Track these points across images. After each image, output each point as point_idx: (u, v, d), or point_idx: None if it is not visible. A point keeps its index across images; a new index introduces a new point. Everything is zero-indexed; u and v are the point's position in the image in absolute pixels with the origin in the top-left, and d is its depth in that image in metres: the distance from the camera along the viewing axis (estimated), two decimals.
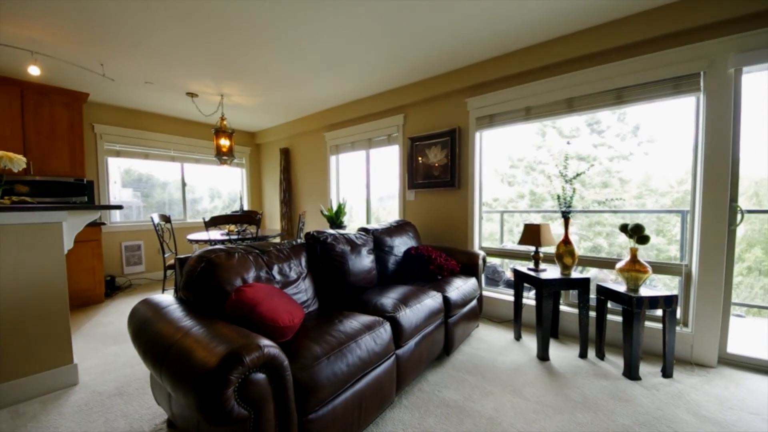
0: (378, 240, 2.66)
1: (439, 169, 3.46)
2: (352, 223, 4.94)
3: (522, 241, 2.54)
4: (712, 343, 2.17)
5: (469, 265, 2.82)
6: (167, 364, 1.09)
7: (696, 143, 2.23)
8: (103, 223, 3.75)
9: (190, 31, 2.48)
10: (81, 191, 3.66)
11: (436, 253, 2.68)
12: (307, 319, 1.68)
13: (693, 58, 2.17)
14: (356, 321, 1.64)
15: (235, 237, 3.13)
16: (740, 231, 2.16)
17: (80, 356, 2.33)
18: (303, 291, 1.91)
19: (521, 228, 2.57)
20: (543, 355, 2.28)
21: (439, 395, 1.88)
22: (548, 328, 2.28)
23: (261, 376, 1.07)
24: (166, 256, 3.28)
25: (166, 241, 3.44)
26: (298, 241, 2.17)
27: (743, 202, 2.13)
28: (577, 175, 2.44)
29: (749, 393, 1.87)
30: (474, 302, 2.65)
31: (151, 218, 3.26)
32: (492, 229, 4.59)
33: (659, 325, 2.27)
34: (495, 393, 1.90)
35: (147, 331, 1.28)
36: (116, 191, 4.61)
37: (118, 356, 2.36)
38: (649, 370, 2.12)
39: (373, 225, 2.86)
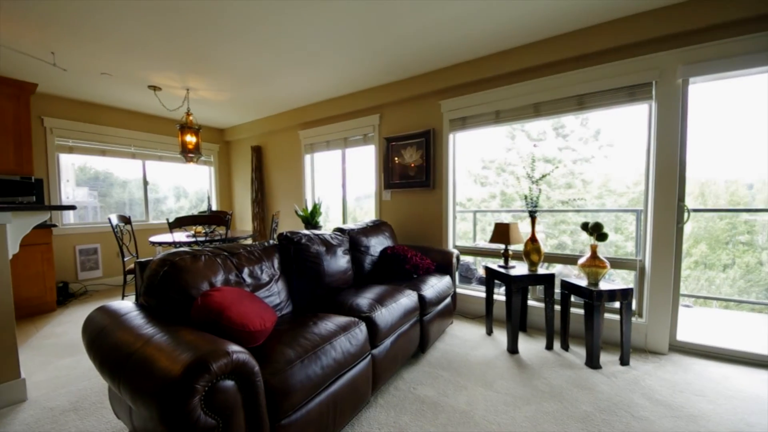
0: (354, 240, 2.65)
1: (415, 170, 3.50)
2: (329, 224, 4.88)
3: (493, 240, 2.63)
4: (664, 332, 2.35)
5: (443, 264, 2.88)
6: (126, 375, 1.03)
7: (648, 147, 2.41)
8: (55, 225, 3.46)
9: (152, 20, 2.34)
10: (28, 190, 3.35)
11: (411, 253, 2.71)
12: (280, 322, 1.65)
13: (646, 68, 2.34)
14: (331, 322, 1.62)
15: (202, 239, 3.00)
16: (688, 228, 2.36)
17: (29, 370, 2.14)
18: (276, 294, 1.86)
19: (493, 227, 2.66)
20: (512, 349, 2.38)
21: (415, 392, 1.90)
22: (517, 323, 2.37)
23: (230, 383, 1.03)
24: (125, 260, 3.08)
25: (126, 243, 3.23)
26: (271, 242, 2.12)
27: (690, 202, 2.33)
28: (543, 176, 2.56)
29: (696, 377, 2.05)
30: (448, 300, 2.71)
31: (109, 219, 3.05)
32: (466, 228, 4.71)
33: (617, 317, 2.44)
34: (468, 387, 1.95)
35: (104, 340, 1.20)
36: (69, 190, 4.26)
37: (73, 369, 2.19)
38: (608, 359, 2.27)
39: (349, 225, 2.85)
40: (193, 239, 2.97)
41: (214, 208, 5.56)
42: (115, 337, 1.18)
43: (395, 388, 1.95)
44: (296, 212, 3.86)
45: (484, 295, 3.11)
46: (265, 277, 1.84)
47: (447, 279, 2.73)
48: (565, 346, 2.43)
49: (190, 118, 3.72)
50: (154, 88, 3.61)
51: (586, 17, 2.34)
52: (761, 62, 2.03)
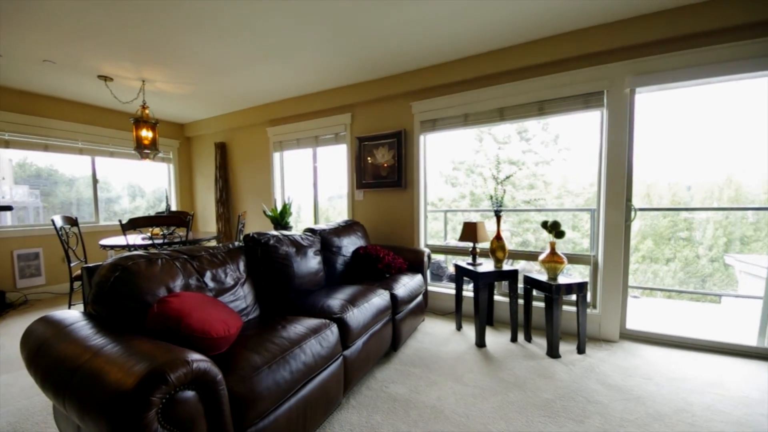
0: (326, 240, 2.61)
1: (387, 170, 3.52)
2: (300, 224, 4.78)
3: (461, 238, 2.71)
4: (615, 321, 2.56)
5: (415, 263, 2.93)
6: (72, 391, 0.94)
7: (600, 151, 2.60)
8: None
9: (101, 2, 2.16)
10: None
11: (384, 252, 2.72)
12: (247, 327, 1.59)
13: (598, 78, 2.53)
14: (301, 325, 1.59)
15: (160, 241, 2.82)
16: (636, 226, 2.58)
17: None
18: (241, 298, 1.79)
19: (462, 226, 2.75)
20: (480, 342, 2.47)
21: (387, 391, 1.92)
22: (484, 317, 2.47)
23: (190, 393, 0.98)
24: (72, 265, 2.83)
25: (73, 247, 2.96)
26: (236, 244, 2.04)
27: (637, 202, 2.55)
28: (507, 177, 2.68)
29: (644, 361, 2.24)
30: (420, 297, 2.76)
31: (53, 221, 2.78)
32: (438, 228, 4.82)
33: (574, 308, 2.61)
34: (438, 382, 2.00)
35: (45, 354, 1.09)
36: (6, 189, 3.83)
37: (11, 387, 1.97)
38: (567, 348, 2.42)
39: (321, 225, 2.81)
40: (149, 242, 2.78)
41: (173, 208, 5.24)
42: (59, 350, 1.08)
43: (367, 387, 1.95)
44: (264, 212, 3.74)
45: (454, 292, 3.20)
46: (229, 281, 1.77)
47: (419, 277, 2.78)
48: (528, 338, 2.57)
49: (146, 111, 3.48)
50: (105, 78, 3.34)
51: (546, 28, 2.48)
52: (698, 75, 2.26)
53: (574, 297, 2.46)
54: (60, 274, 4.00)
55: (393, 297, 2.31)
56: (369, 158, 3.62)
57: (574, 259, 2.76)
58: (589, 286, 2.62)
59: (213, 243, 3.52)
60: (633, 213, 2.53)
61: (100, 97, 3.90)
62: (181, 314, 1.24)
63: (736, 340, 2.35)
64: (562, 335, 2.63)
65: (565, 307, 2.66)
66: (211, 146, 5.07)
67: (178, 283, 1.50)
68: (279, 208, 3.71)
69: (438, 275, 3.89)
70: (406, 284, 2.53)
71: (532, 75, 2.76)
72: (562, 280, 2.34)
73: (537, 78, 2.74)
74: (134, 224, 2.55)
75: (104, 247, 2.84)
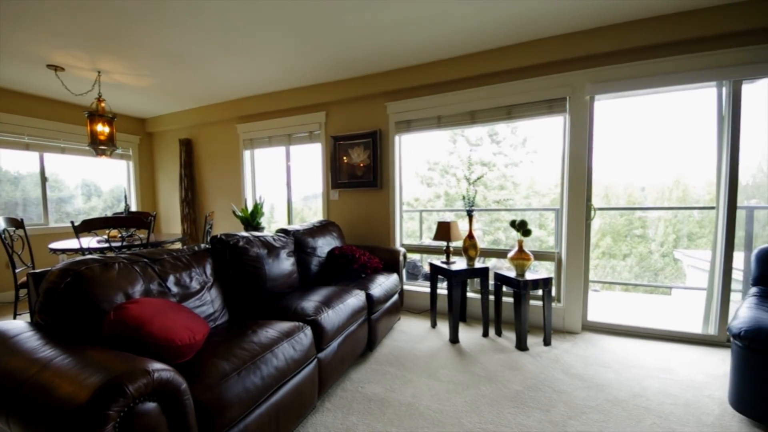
0: (300, 241, 2.57)
1: (363, 170, 3.52)
2: (274, 225, 4.66)
3: (436, 237, 2.77)
4: (577, 313, 2.71)
5: (391, 262, 2.95)
6: (17, 409, 0.87)
7: (563, 154, 2.76)
8: None
9: None
10: None
11: (359, 252, 2.72)
12: (214, 333, 1.53)
13: (562, 84, 2.67)
14: (273, 329, 1.56)
15: (118, 244, 2.64)
16: (596, 224, 2.76)
17: None
18: (208, 303, 1.72)
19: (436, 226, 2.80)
20: (454, 339, 2.53)
21: (362, 391, 1.92)
22: (458, 314, 2.54)
23: (151, 405, 0.93)
24: (17, 271, 2.58)
25: (18, 252, 2.70)
26: (203, 246, 1.95)
27: (597, 202, 2.73)
28: (479, 178, 2.77)
29: (603, 351, 2.39)
30: (396, 297, 2.78)
31: None
32: (414, 227, 4.88)
33: (540, 303, 2.75)
34: (414, 380, 2.03)
35: None
36: None
37: None
38: (534, 341, 2.54)
39: (295, 226, 2.76)
40: (106, 245, 2.60)
41: (133, 208, 4.92)
42: (2, 363, 0.99)
43: (343, 389, 1.94)
44: (234, 213, 3.61)
45: (429, 290, 3.26)
46: (195, 285, 1.69)
47: (394, 277, 2.80)
48: (498, 332, 2.67)
49: (102, 104, 3.25)
50: (56, 68, 3.08)
51: (512, 36, 2.59)
52: (649, 85, 2.45)
53: (540, 292, 2.59)
54: (3, 281, 3.64)
55: (369, 297, 2.31)
56: (344, 158, 3.60)
57: (540, 256, 2.90)
58: (553, 282, 2.76)
59: (178, 245, 3.35)
60: (593, 212, 2.70)
61: (50, 88, 3.59)
62: (141, 321, 1.17)
63: (684, 329, 2.58)
64: (530, 328, 2.75)
65: (532, 302, 2.79)
66: (175, 143, 4.80)
67: (137, 289, 1.41)
68: (250, 208, 3.59)
69: (414, 274, 3.94)
70: (382, 284, 2.55)
71: (501, 80, 2.87)
72: (529, 276, 2.45)
73: (505, 83, 2.85)
74: (88, 226, 2.37)
75: (54, 251, 2.62)
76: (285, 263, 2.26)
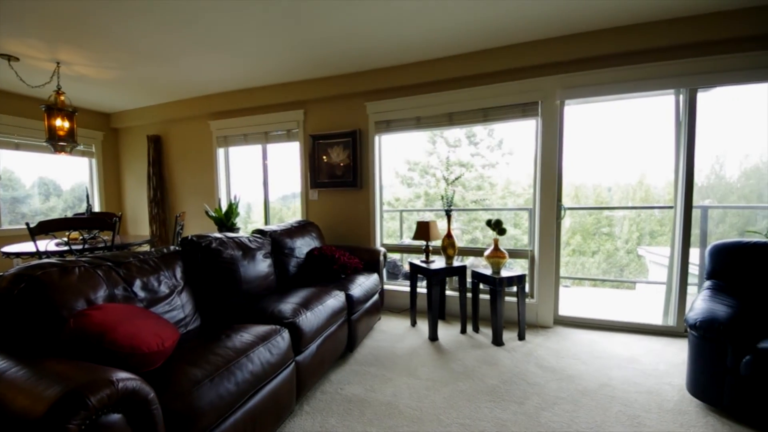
0: (277, 242, 2.52)
1: (342, 169, 3.49)
2: (251, 225, 4.53)
3: (415, 237, 2.80)
4: (549, 308, 2.83)
5: (371, 262, 2.95)
6: None
7: (536, 156, 2.86)
8: None
9: None
10: None
11: (339, 253, 2.70)
12: (185, 339, 1.47)
13: (534, 89, 2.77)
14: (248, 333, 1.51)
15: (79, 247, 2.48)
16: (567, 223, 2.88)
17: None
18: (179, 308, 1.65)
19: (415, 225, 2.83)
20: (433, 336, 2.57)
21: (342, 393, 1.90)
22: (437, 312, 2.57)
23: (116, 417, 0.88)
24: None
25: None
26: (172, 248, 1.87)
27: (567, 202, 2.85)
28: (457, 178, 2.83)
29: (573, 344, 2.51)
30: (376, 297, 2.78)
31: None
32: (394, 227, 4.91)
33: (515, 299, 2.83)
34: (394, 379, 2.04)
35: None
36: None
37: None
38: (509, 336, 2.62)
39: (272, 226, 2.70)
40: (66, 248, 2.43)
41: (96, 209, 4.63)
42: None
43: (322, 391, 1.92)
44: (207, 213, 3.48)
45: (409, 289, 3.28)
46: (164, 290, 1.62)
47: (375, 277, 2.80)
48: (476, 329, 2.73)
49: (62, 98, 3.04)
50: (9, 57, 2.85)
51: (489, 40, 2.66)
52: (614, 91, 2.59)
53: (515, 288, 2.66)
54: None
55: (349, 298, 2.30)
56: (324, 157, 3.56)
57: (514, 254, 3.00)
58: (527, 278, 2.86)
59: (146, 248, 3.19)
60: (563, 211, 2.82)
61: (3, 78, 3.31)
62: (105, 329, 1.10)
63: (646, 321, 2.75)
64: (506, 324, 2.83)
65: (507, 298, 2.87)
66: (143, 139, 4.55)
67: (100, 294, 1.33)
68: (224, 208, 3.47)
69: (394, 274, 3.96)
70: (362, 284, 2.54)
71: (478, 83, 2.94)
72: (504, 273, 2.52)
73: (482, 86, 2.92)
74: (45, 228, 2.21)
75: (8, 255, 2.42)
76: (261, 265, 2.20)
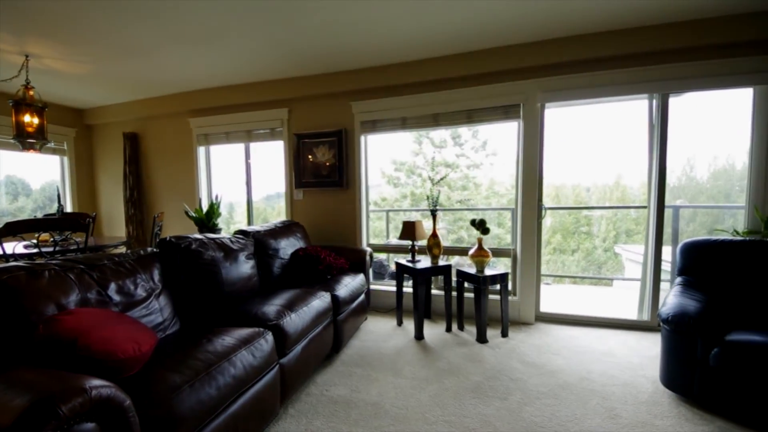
0: (261, 243, 2.47)
1: (328, 169, 3.46)
2: (235, 226, 4.43)
3: (401, 237, 2.81)
4: (531, 305, 2.90)
5: (357, 262, 2.94)
6: None
7: (518, 157, 2.92)
8: None
9: None
10: None
11: (325, 253, 2.67)
12: (164, 344, 1.42)
13: (517, 92, 2.83)
14: (230, 337, 1.48)
15: (49, 249, 2.36)
16: (548, 222, 2.96)
17: None
18: (157, 311, 1.60)
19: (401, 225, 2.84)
20: (419, 335, 2.58)
21: (327, 394, 1.89)
22: (422, 311, 2.59)
23: (89, 426, 0.84)
24: None
25: None
26: (149, 250, 1.81)
27: (548, 202, 2.93)
28: (442, 178, 2.86)
29: (554, 339, 2.58)
30: (362, 297, 2.77)
31: None
32: (381, 227, 4.91)
33: (498, 297, 2.89)
34: (380, 379, 2.04)
35: None
36: None
37: None
38: (493, 333, 2.67)
39: (255, 227, 2.65)
40: (35, 250, 2.31)
41: (69, 209, 4.42)
42: None
43: (307, 393, 1.90)
44: (187, 213, 3.38)
45: (395, 289, 3.29)
46: (140, 293, 1.56)
47: (360, 277, 2.80)
48: (461, 327, 2.77)
49: (31, 92, 2.88)
50: None
51: (473, 42, 2.69)
52: (591, 95, 2.68)
53: (498, 286, 2.72)
54: None
55: (334, 298, 2.29)
56: (309, 156, 3.52)
57: (498, 252, 3.06)
58: (510, 276, 2.92)
59: (122, 250, 3.07)
60: (544, 211, 2.89)
61: None
62: (77, 334, 1.05)
63: (623, 316, 2.85)
64: (489, 321, 2.88)
65: (491, 296, 2.92)
66: (118, 136, 4.37)
67: (72, 299, 1.27)
68: (205, 208, 3.38)
69: (380, 273, 3.96)
70: (348, 284, 2.53)
71: (462, 85, 2.98)
72: (488, 272, 2.57)
73: (466, 88, 2.96)
74: (12, 229, 2.09)
75: None
76: (244, 266, 2.16)
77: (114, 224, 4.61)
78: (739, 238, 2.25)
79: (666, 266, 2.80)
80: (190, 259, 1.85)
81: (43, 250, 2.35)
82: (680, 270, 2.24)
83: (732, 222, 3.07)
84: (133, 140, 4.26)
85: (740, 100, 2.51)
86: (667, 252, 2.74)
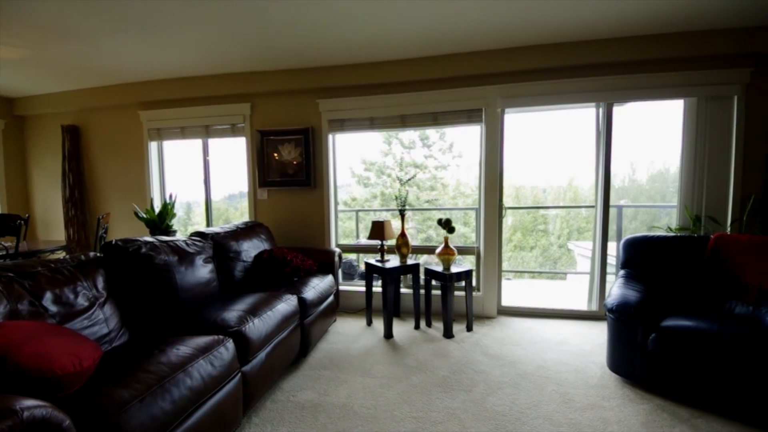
0: (220, 245, 2.35)
1: (295, 168, 3.37)
2: (193, 227, 4.16)
3: (370, 237, 2.81)
4: (493, 300, 3.04)
5: (326, 263, 2.89)
6: None
7: (480, 159, 3.05)
8: None
9: None
10: None
11: (291, 255, 2.60)
12: (110, 357, 1.31)
13: (479, 97, 2.95)
14: (186, 346, 1.39)
15: None
16: (509, 221, 3.12)
17: None
18: (101, 322, 1.46)
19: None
20: (388, 334, 2.60)
21: (294, 400, 1.84)
22: (392, 310, 2.62)
23: None
24: None
25: None
26: (92, 254, 1.65)
27: (507, 201, 3.08)
28: (410, 179, 2.90)
29: (514, 331, 2.72)
30: (331, 298, 2.74)
31: None
32: (351, 227, 4.88)
33: (463, 293, 3.00)
34: (348, 380, 2.02)
35: None
36: None
37: None
38: (459, 328, 2.76)
39: (214, 228, 2.51)
40: None
41: None
42: None
43: (272, 401, 1.84)
44: (137, 214, 3.12)
45: (364, 289, 3.28)
46: (82, 302, 1.42)
47: (329, 278, 2.75)
48: (428, 324, 2.83)
49: None
50: None
51: (437, 47, 2.76)
52: (548, 102, 2.87)
53: (463, 283, 2.82)
54: None
55: (302, 301, 2.23)
56: (275, 154, 3.40)
57: (463, 250, 3.17)
58: (474, 273, 3.04)
59: (60, 255, 2.76)
60: (504, 211, 3.05)
61: None
62: (5, 349, 0.93)
63: (575, 307, 3.08)
64: (455, 317, 2.97)
65: (457, 293, 3.02)
66: (56, 129, 3.92)
67: None
68: (157, 208, 3.14)
69: (350, 274, 3.93)
70: (316, 286, 2.48)
71: (428, 88, 3.05)
72: (454, 269, 2.65)
73: (432, 92, 3.04)
74: None
75: None
76: (201, 271, 2.04)
77: (52, 227, 4.13)
78: (672, 234, 2.52)
79: (611, 260, 3.06)
80: (140, 264, 1.71)
81: None
82: (623, 264, 2.46)
83: (667, 220, 3.43)
84: (73, 134, 3.84)
85: (673, 110, 2.81)
86: (612, 247, 3.00)
